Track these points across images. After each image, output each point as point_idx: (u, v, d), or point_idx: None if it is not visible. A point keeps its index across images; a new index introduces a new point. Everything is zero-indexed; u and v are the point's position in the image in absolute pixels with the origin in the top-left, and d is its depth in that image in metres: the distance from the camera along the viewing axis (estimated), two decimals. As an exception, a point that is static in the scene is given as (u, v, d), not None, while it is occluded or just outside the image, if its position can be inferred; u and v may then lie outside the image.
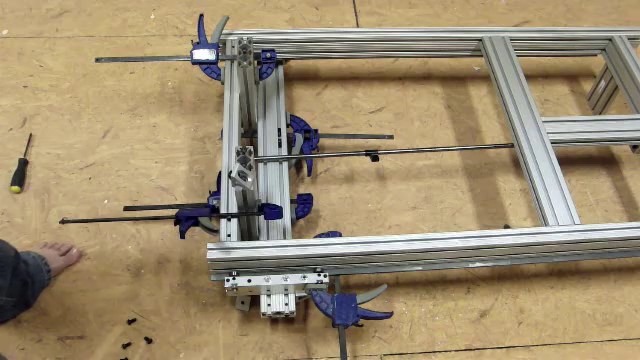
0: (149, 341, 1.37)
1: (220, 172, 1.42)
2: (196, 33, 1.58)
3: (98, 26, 2.03)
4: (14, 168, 1.61)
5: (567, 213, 1.36)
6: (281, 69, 1.72)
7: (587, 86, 1.99)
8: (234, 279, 1.24)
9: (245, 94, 1.51)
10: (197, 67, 1.63)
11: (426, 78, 1.99)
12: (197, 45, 1.54)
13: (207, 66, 1.59)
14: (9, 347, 1.34)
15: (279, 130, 1.57)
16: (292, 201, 1.50)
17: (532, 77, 1.96)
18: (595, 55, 1.83)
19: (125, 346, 1.36)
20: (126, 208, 1.50)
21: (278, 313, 1.28)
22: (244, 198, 1.23)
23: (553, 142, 1.50)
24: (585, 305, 1.51)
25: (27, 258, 1.36)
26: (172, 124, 1.78)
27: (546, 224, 1.35)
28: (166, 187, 1.64)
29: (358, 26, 2.14)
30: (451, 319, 1.46)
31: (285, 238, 1.37)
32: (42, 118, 1.76)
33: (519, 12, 2.25)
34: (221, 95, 1.69)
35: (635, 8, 2.31)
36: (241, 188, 1.18)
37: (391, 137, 1.74)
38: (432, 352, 1.40)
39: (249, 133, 1.63)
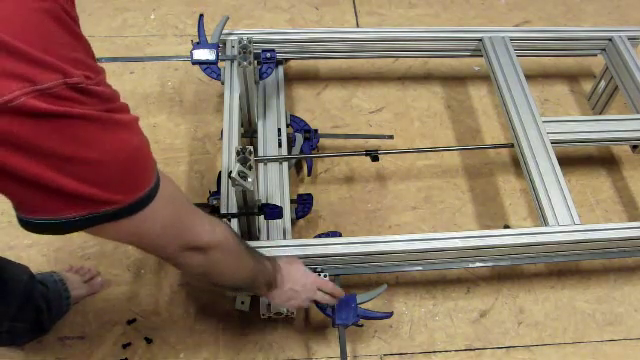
0: (149, 341, 1.37)
1: (220, 172, 1.42)
2: (196, 33, 1.57)
3: (98, 26, 2.03)
4: (14, 168, 1.61)
5: (567, 213, 1.36)
6: (281, 69, 1.72)
7: (587, 86, 1.99)
8: (234, 279, 1.23)
9: (245, 94, 1.51)
10: (197, 67, 1.63)
11: (426, 78, 1.99)
12: (197, 45, 1.54)
13: (207, 66, 1.59)
14: (9, 347, 1.33)
15: (279, 130, 1.57)
16: (292, 201, 1.50)
17: (532, 77, 1.96)
18: (595, 55, 1.83)
19: (125, 346, 1.36)
20: (126, 208, 1.50)
21: (278, 313, 1.28)
22: (244, 198, 1.23)
23: (553, 142, 1.50)
24: (585, 305, 1.51)
25: (48, 281, 1.33)
26: (172, 124, 1.78)
27: (546, 224, 1.35)
28: (166, 187, 1.63)
29: (358, 26, 2.14)
30: (451, 319, 1.46)
31: (285, 238, 1.37)
32: (42, 118, 1.76)
33: (519, 12, 2.25)
34: (221, 95, 1.69)
35: (635, 8, 2.31)
36: (241, 188, 1.18)
37: (391, 137, 1.74)
38: (432, 352, 1.40)
39: (249, 133, 1.63)
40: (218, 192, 1.39)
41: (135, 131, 0.69)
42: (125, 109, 0.68)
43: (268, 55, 1.63)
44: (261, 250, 1.24)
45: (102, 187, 0.64)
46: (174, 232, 0.80)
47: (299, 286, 1.14)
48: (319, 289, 1.19)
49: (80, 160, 0.61)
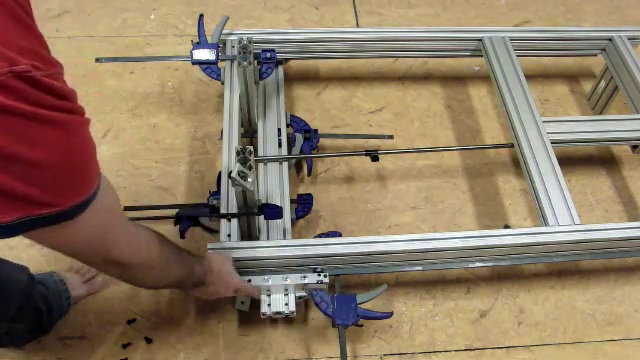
0: (149, 341, 1.37)
1: (220, 172, 1.42)
2: (196, 33, 1.58)
3: (98, 26, 2.03)
4: (14, 168, 1.61)
5: (567, 213, 1.36)
6: (281, 69, 1.72)
7: (587, 86, 1.99)
8: (234, 279, 1.24)
9: (245, 94, 1.51)
10: (197, 67, 1.63)
11: (426, 78, 1.99)
12: (197, 45, 1.54)
13: (207, 66, 1.59)
14: (9, 347, 1.33)
15: (279, 130, 1.57)
16: (292, 201, 1.50)
17: (532, 77, 1.96)
18: (595, 55, 1.83)
19: (125, 346, 1.36)
20: (126, 208, 1.50)
21: (278, 313, 1.28)
22: (244, 198, 1.23)
23: (553, 142, 1.50)
24: (585, 305, 1.51)
25: (48, 281, 1.32)
26: (172, 124, 1.78)
27: (546, 224, 1.35)
28: (166, 187, 1.64)
29: (358, 26, 2.14)
30: (451, 319, 1.46)
31: (285, 238, 1.37)
32: (42, 118, 1.76)
33: (519, 12, 2.25)
34: (221, 95, 1.69)
35: (635, 8, 2.31)
36: (241, 188, 1.18)
37: (391, 137, 1.74)
38: (432, 352, 1.40)
39: (249, 133, 1.63)
40: (218, 192, 1.39)
41: (83, 135, 0.67)
42: (78, 111, 0.66)
43: (268, 55, 1.63)
44: (261, 250, 1.24)
45: (41, 188, 0.62)
46: (98, 245, 0.79)
47: (222, 287, 1.18)
48: (236, 289, 1.23)
49: (22, 159, 0.58)
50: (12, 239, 1.49)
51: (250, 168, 1.16)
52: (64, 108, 0.62)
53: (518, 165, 1.64)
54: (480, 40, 1.74)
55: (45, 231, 0.66)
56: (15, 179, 0.59)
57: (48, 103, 0.60)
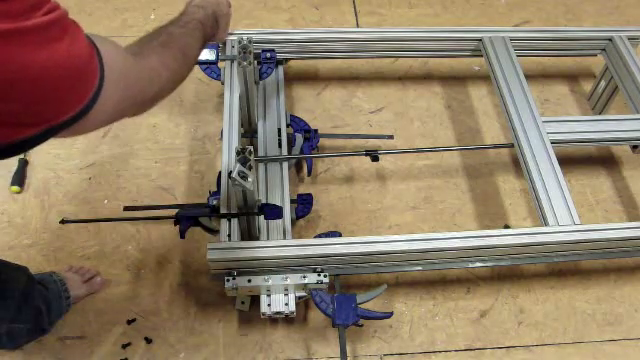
0: (149, 341, 1.37)
1: (220, 172, 1.42)
2: (196, 33, 1.58)
3: (98, 26, 2.03)
4: (14, 168, 1.61)
5: (567, 213, 1.36)
6: (281, 69, 1.72)
7: (587, 86, 1.99)
8: (234, 279, 1.24)
9: (245, 94, 1.51)
10: (197, 67, 1.63)
11: (426, 78, 1.99)
12: (197, 45, 1.53)
13: (207, 66, 1.59)
14: (9, 347, 1.33)
15: (279, 130, 1.57)
16: (292, 201, 1.50)
17: (532, 77, 1.96)
18: (595, 55, 1.83)
19: (125, 346, 1.36)
20: (126, 208, 1.50)
21: (278, 313, 1.28)
22: (244, 198, 1.23)
23: (553, 142, 1.50)
24: (585, 305, 1.51)
25: (48, 281, 1.32)
26: (172, 124, 1.78)
27: (546, 224, 1.35)
28: (166, 187, 1.64)
29: (358, 26, 2.14)
30: (451, 319, 1.46)
31: (285, 238, 1.37)
32: (42, 118, 1.76)
33: (519, 12, 2.25)
34: (221, 95, 1.69)
35: (635, 8, 2.31)
36: (241, 188, 1.18)
37: (391, 137, 1.74)
38: (432, 352, 1.41)
39: (249, 133, 1.63)
40: (218, 192, 1.39)
41: (66, 35, 0.63)
42: (52, 9, 0.62)
43: (268, 55, 1.63)
44: (261, 250, 1.24)
45: (46, 105, 0.62)
46: (129, 104, 0.81)
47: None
48: None
49: (12, 82, 0.57)
50: (12, 239, 1.49)
51: (250, 168, 1.16)
52: (39, 7, 0.60)
53: (518, 165, 1.64)
54: (480, 40, 1.74)
55: (66, 131, 0.67)
56: (13, 102, 0.59)
57: (21, 10, 0.57)
